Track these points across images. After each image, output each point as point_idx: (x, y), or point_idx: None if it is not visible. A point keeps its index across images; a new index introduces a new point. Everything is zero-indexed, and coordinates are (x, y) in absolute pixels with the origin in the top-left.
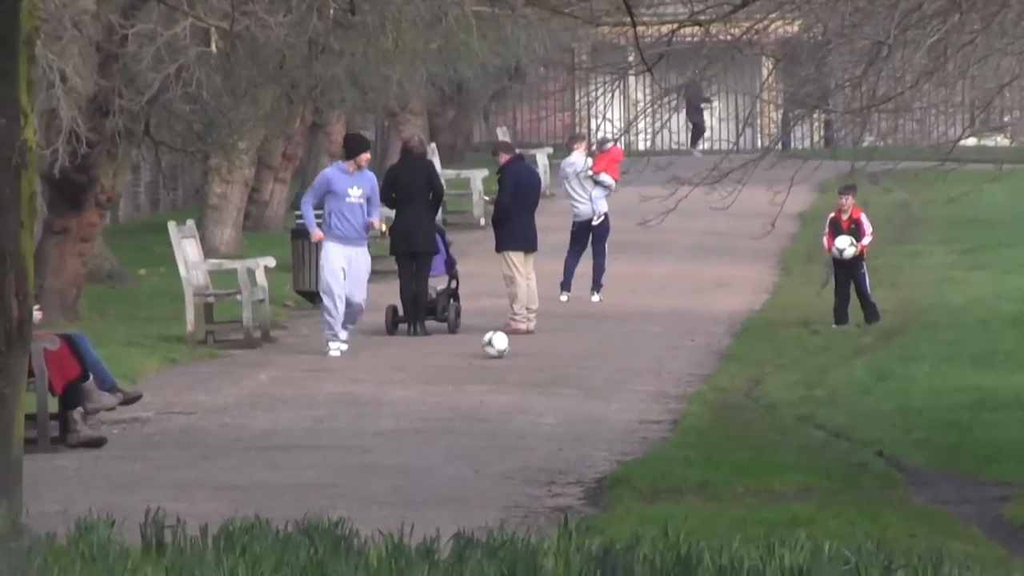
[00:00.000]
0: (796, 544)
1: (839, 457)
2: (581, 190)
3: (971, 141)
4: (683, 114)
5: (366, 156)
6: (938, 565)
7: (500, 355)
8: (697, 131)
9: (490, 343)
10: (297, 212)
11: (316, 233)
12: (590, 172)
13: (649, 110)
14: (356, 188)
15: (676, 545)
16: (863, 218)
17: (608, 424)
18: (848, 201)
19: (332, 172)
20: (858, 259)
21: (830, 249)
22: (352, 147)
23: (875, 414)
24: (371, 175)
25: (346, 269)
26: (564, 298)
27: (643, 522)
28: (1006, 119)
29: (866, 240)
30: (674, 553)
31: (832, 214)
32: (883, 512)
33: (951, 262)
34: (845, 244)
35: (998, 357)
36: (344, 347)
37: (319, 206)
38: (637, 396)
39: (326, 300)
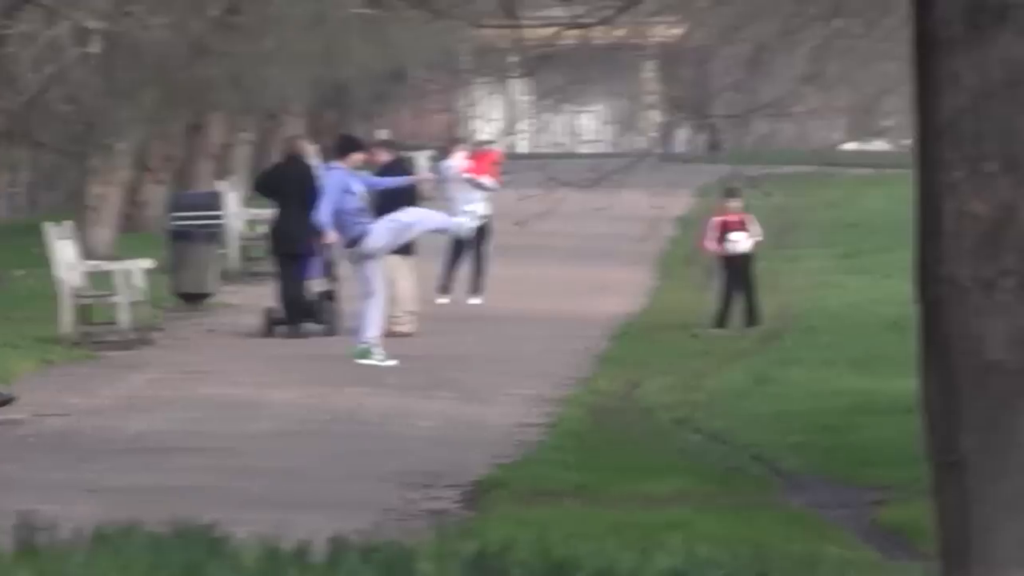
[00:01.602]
0: (671, 547)
1: (716, 460)
2: (461, 193)
3: (852, 145)
4: (561, 116)
5: (359, 157)
6: (813, 569)
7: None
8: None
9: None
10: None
11: (331, 235)
12: (470, 175)
13: (530, 112)
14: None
15: (551, 549)
16: (749, 221)
17: (486, 427)
18: (736, 203)
19: (340, 174)
20: (750, 260)
21: (718, 249)
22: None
23: (753, 418)
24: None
25: None
26: (444, 300)
27: (520, 525)
28: (886, 124)
29: (757, 238)
30: (549, 557)
31: (716, 218)
32: (759, 515)
33: (830, 266)
34: (740, 236)
35: (876, 361)
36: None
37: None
38: (515, 399)
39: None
